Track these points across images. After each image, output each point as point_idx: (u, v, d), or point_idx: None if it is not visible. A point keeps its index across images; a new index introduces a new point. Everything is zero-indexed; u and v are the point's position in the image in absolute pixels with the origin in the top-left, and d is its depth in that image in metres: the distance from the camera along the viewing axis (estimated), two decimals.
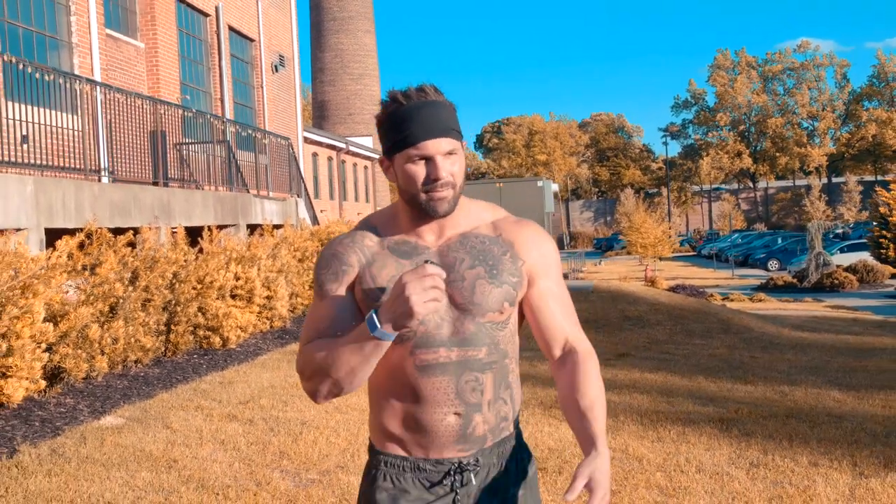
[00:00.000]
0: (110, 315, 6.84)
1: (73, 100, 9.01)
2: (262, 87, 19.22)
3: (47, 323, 5.82)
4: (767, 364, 9.36)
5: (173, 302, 7.94)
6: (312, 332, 1.79)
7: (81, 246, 6.44)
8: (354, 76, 38.73)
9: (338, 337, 1.71)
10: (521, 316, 1.88)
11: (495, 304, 1.76)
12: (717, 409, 6.74)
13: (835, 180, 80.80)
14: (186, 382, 7.19)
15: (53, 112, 8.61)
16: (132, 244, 7.79)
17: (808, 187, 73.33)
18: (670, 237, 39.64)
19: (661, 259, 42.91)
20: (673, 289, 20.89)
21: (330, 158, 29.13)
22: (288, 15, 21.65)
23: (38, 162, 8.33)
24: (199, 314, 8.42)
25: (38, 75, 7.85)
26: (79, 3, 11.71)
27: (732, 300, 21.04)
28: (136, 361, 7.36)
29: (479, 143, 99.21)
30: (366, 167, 34.05)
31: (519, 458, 1.84)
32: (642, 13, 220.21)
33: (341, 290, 1.78)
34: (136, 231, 7.73)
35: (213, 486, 4.52)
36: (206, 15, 16.87)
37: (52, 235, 7.68)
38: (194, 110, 12.42)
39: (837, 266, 26.11)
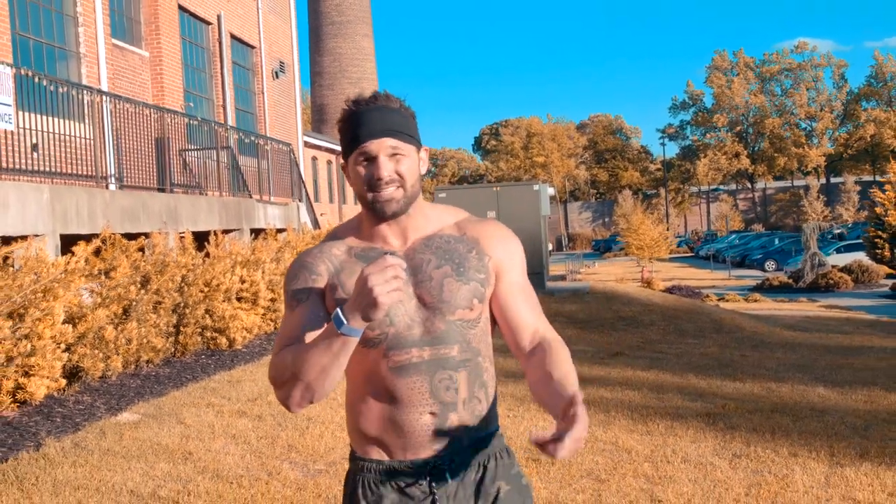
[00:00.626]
0: (124, 317, 7.14)
1: (83, 109, 9.32)
2: (262, 94, 19.55)
3: (66, 325, 6.12)
4: (757, 362, 9.66)
5: (182, 304, 8.24)
6: (284, 342, 1.78)
7: (97, 251, 6.74)
8: (353, 80, 39.05)
9: (309, 342, 1.73)
10: (494, 319, 1.89)
11: (464, 301, 1.78)
12: (705, 404, 7.04)
13: (833, 180, 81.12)
14: (196, 381, 7.49)
15: (64, 121, 8.92)
16: (141, 249, 8.10)
17: (807, 188, 73.66)
18: (667, 238, 39.92)
19: (658, 260, 43.22)
20: (669, 290, 21.19)
21: (329, 162, 29.44)
22: (288, 22, 21.98)
23: (49, 169, 8.64)
24: (207, 316, 8.72)
25: (52, 87, 8.16)
26: (86, 15, 12.02)
27: (728, 301, 21.35)
28: (147, 361, 7.66)
29: (478, 145, 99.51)
30: None
31: (498, 456, 1.85)
32: (640, 14, 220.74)
33: (312, 300, 1.80)
34: (146, 236, 8.03)
35: (227, 475, 4.82)
36: (209, 23, 17.20)
37: (66, 241, 7.99)
38: (199, 118, 12.72)
39: (833, 266, 26.43)
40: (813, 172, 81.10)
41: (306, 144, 24.81)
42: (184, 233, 8.88)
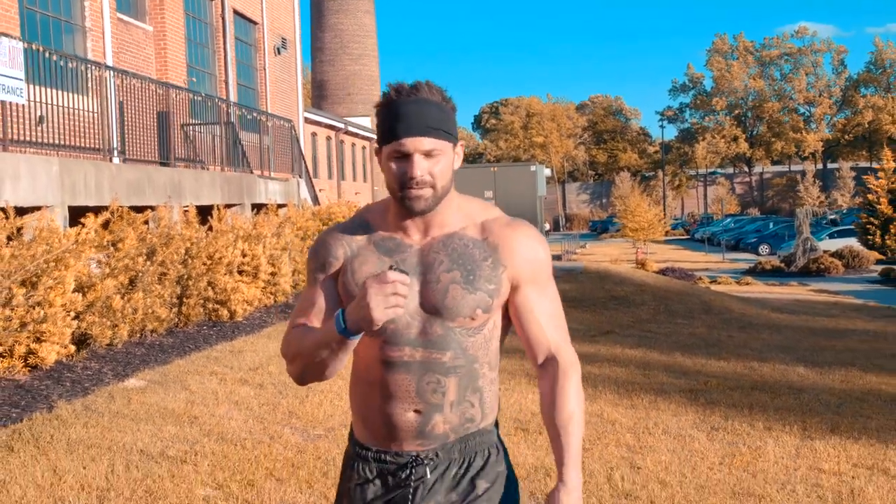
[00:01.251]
0: (130, 287, 7.39)
1: (90, 84, 9.51)
2: (264, 70, 19.69)
3: (76, 293, 6.37)
4: (742, 342, 9.95)
5: (186, 276, 8.48)
6: (300, 316, 1.87)
7: (106, 223, 6.98)
8: (354, 56, 39.01)
9: (315, 328, 1.82)
10: (509, 320, 1.89)
11: (466, 310, 1.77)
12: (689, 381, 7.33)
13: (830, 166, 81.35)
14: (199, 351, 7.76)
15: (70, 95, 9.11)
16: (146, 222, 8.33)
17: (803, 173, 73.93)
18: (662, 221, 40.17)
19: (654, 242, 43.51)
20: (662, 271, 21.46)
21: (328, 138, 29.58)
22: None
23: (56, 142, 8.84)
24: (209, 288, 8.96)
25: (62, 63, 8.35)
26: None
27: (720, 283, 21.64)
28: (152, 331, 7.91)
29: (477, 123, 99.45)
30: (364, 147, 34.50)
31: (485, 453, 1.85)
32: None
33: (326, 280, 1.85)
34: (151, 209, 8.26)
35: (231, 438, 5.10)
36: None
37: (73, 212, 8.22)
38: (203, 94, 12.90)
39: (825, 251, 26.72)
40: (810, 158, 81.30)
41: (306, 120, 24.94)
42: (188, 207, 9.11)
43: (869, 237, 29.36)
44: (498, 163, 61.95)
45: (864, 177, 30.46)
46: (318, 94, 39.31)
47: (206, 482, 4.35)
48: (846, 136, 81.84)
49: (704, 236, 45.36)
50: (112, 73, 10.09)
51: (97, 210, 7.82)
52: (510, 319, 1.87)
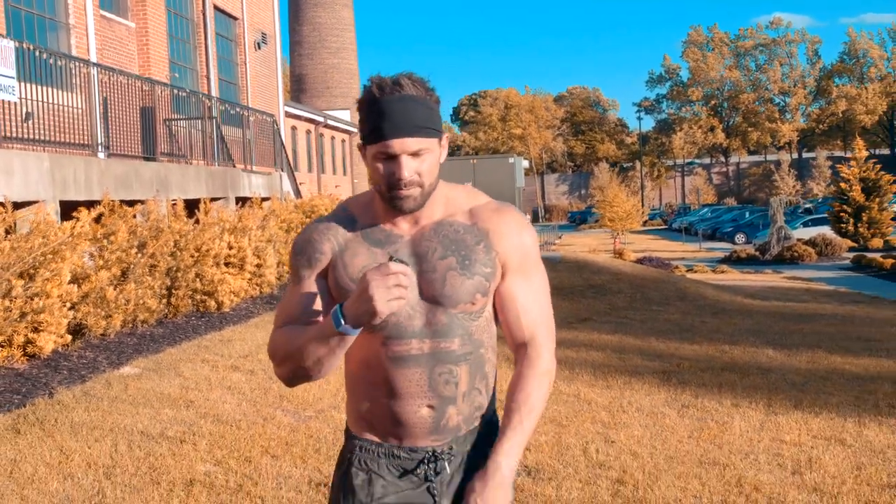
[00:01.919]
0: (122, 279, 7.61)
1: (75, 81, 9.67)
2: (245, 65, 19.84)
3: (72, 285, 6.59)
4: (715, 327, 10.30)
5: (175, 268, 8.70)
6: (285, 317, 1.80)
7: (98, 217, 7.18)
8: (332, 50, 39.05)
9: (306, 326, 1.75)
10: None
11: (466, 295, 1.75)
12: (662, 363, 7.66)
13: (805, 155, 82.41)
14: (189, 340, 7.99)
15: (57, 91, 9.27)
16: (134, 215, 8.53)
17: (779, 162, 74.86)
18: (640, 211, 40.62)
19: (633, 232, 44.04)
20: (640, 261, 21.85)
21: (308, 132, 29.70)
22: None
23: (44, 138, 9.01)
24: (197, 280, 9.19)
25: (51, 61, 8.52)
26: None
27: (696, 272, 22.07)
28: (143, 321, 8.13)
29: (456, 115, 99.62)
30: (343, 140, 34.65)
31: (494, 442, 1.82)
32: None
33: (314, 277, 1.79)
34: (141, 203, 8.46)
35: (226, 420, 5.36)
36: None
37: (64, 207, 8.40)
38: (187, 90, 13.06)
39: (798, 240, 27.26)
40: (786, 147, 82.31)
41: (286, 114, 25.08)
42: (175, 201, 9.31)
43: (842, 225, 29.98)
44: (477, 155, 62.24)
45: (838, 166, 31.05)
46: (297, 88, 39.35)
47: (206, 459, 4.60)
48: (821, 126, 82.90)
49: (682, 226, 45.94)
50: (97, 69, 10.25)
51: (87, 204, 8.02)
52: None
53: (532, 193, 77.94)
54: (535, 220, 71.90)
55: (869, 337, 9.31)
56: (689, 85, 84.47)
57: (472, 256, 1.76)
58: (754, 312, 12.11)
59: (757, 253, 27.22)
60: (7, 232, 6.29)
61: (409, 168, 1.68)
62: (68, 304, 6.56)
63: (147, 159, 11.26)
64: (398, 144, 1.67)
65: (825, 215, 33.41)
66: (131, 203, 8.79)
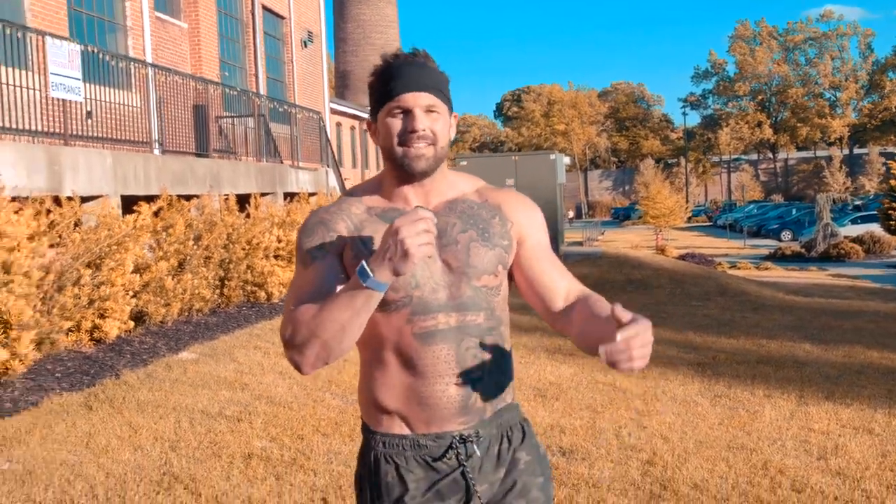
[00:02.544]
0: (179, 269, 8.02)
1: (133, 81, 10.14)
2: (292, 63, 20.31)
3: (134, 274, 7.00)
4: (754, 322, 10.40)
5: (227, 260, 9.10)
6: (296, 301, 1.69)
7: (157, 211, 7.60)
8: (376, 46, 39.47)
9: (329, 298, 1.64)
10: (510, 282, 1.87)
11: (490, 265, 1.75)
12: (698, 356, 7.84)
13: (857, 151, 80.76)
14: (241, 328, 8.38)
15: (117, 91, 9.74)
16: (189, 209, 8.95)
17: (829, 158, 73.51)
18: (685, 208, 40.36)
19: (676, 229, 43.77)
20: (682, 257, 21.84)
21: (352, 128, 30.16)
22: None
23: (104, 136, 9.48)
24: (248, 271, 9.59)
25: (114, 63, 8.98)
26: None
27: (739, 268, 22.00)
28: (198, 310, 8.55)
29: (499, 111, 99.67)
30: None
31: (520, 426, 1.84)
32: None
33: (328, 258, 1.72)
34: (196, 197, 8.87)
35: (279, 401, 5.70)
36: None
37: (124, 201, 8.85)
38: (238, 89, 13.51)
39: (845, 237, 26.93)
40: (836, 143, 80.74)
41: (331, 111, 25.55)
42: (227, 195, 9.72)
43: (891, 222, 29.47)
44: (519, 151, 62.25)
45: (889, 162, 30.53)
46: (342, 85, 39.88)
47: (262, 436, 4.94)
48: (873, 121, 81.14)
49: (727, 223, 45.48)
50: (154, 70, 10.72)
51: (145, 199, 8.45)
52: (510, 281, 1.84)
53: (574, 189, 77.69)
54: (578, 216, 71.70)
55: None
56: (736, 80, 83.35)
57: (490, 229, 1.77)
58: (795, 308, 12.14)
59: (802, 250, 26.97)
60: (75, 224, 6.71)
61: (422, 121, 1.67)
62: (131, 293, 6.97)
63: (199, 156, 11.70)
64: (411, 98, 1.67)
65: (874, 213, 32.88)
66: (187, 198, 9.21)
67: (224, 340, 7.67)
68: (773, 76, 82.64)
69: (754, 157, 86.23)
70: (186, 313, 8.33)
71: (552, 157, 16.27)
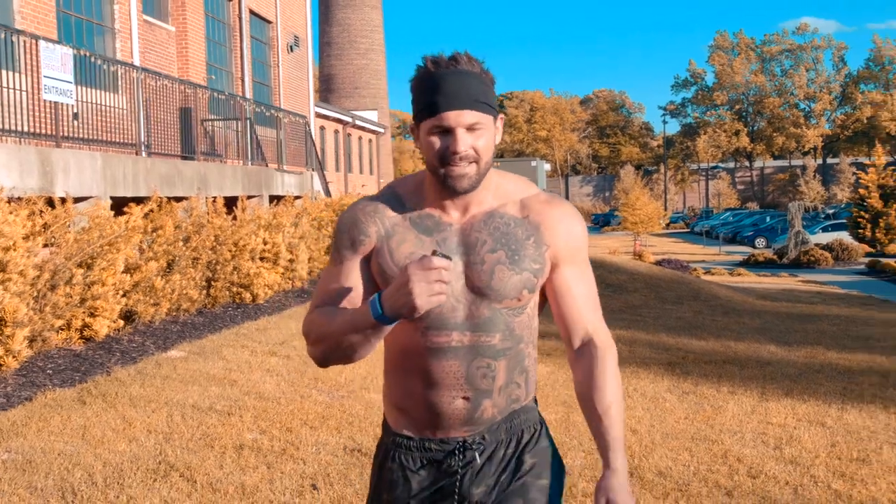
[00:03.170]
0: (167, 270, 8.24)
1: (121, 83, 10.35)
2: (278, 67, 20.54)
3: (125, 274, 7.22)
4: (723, 325, 10.78)
5: (214, 261, 9.33)
6: (324, 296, 1.77)
7: (147, 213, 7.83)
8: (361, 51, 39.72)
9: (344, 309, 1.71)
10: (544, 298, 1.84)
11: (513, 291, 1.72)
12: (669, 356, 8.18)
13: (830, 161, 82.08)
14: (228, 328, 8.61)
15: (105, 93, 9.94)
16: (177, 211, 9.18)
17: (804, 167, 74.71)
18: (662, 214, 40.92)
19: (654, 235, 44.34)
20: (659, 262, 22.25)
21: (336, 132, 30.37)
22: None
23: (93, 138, 9.68)
24: (235, 273, 9.82)
25: (105, 66, 9.19)
26: None
27: (713, 274, 22.46)
28: (185, 310, 8.77)
29: None
30: (370, 140, 35.32)
31: (531, 429, 1.83)
32: None
33: (356, 259, 1.75)
34: (185, 199, 9.10)
35: (268, 397, 5.95)
36: None
37: (113, 202, 9.06)
38: (226, 93, 13.73)
39: (816, 244, 27.54)
40: (811, 153, 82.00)
41: (315, 115, 25.77)
42: (215, 197, 9.95)
43: (860, 230, 30.20)
44: (501, 157, 62.68)
45: (858, 172, 31.30)
46: (326, 88, 40.06)
47: (252, 429, 5.20)
48: (845, 132, 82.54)
49: (703, 230, 46.15)
50: (142, 73, 10.93)
51: (135, 200, 8.67)
52: (544, 297, 1.83)
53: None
54: None
55: (868, 336, 9.76)
56: (715, 89, 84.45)
57: (521, 252, 1.72)
58: (764, 312, 12.54)
59: (775, 257, 27.52)
60: (68, 225, 6.93)
61: (464, 142, 1.63)
62: (121, 292, 7.19)
63: (185, 158, 11.91)
64: (453, 117, 1.62)
65: (844, 221, 33.62)
66: (176, 200, 9.44)
67: (212, 339, 7.90)
68: (751, 86, 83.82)
69: (731, 165, 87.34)
70: (174, 313, 8.55)
71: (533, 163, 16.67)
